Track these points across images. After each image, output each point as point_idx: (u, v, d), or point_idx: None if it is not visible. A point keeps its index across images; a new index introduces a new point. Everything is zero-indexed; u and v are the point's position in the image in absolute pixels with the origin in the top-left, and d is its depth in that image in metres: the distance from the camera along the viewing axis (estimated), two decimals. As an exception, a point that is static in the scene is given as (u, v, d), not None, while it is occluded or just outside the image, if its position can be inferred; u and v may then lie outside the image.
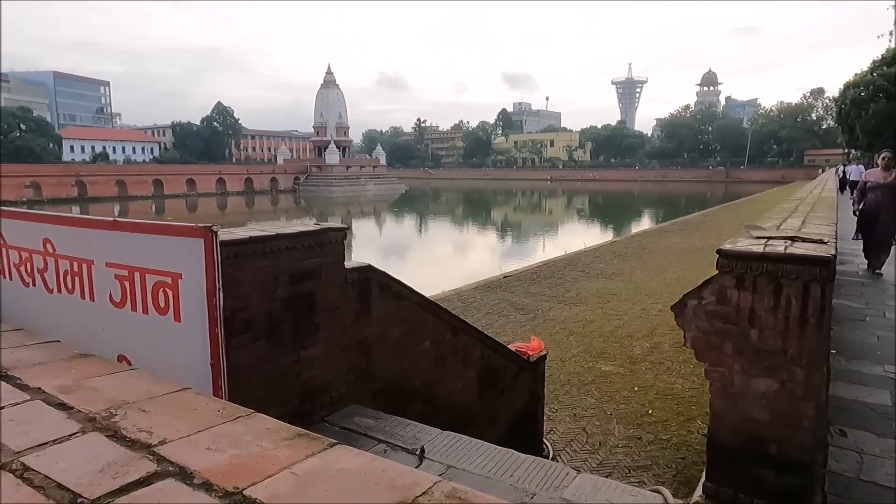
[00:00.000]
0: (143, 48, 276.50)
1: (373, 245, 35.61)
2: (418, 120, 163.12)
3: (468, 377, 4.92)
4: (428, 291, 15.36)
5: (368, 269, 3.78)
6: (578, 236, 31.36)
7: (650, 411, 7.37)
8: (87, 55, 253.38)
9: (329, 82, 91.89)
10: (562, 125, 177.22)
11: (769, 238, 3.22)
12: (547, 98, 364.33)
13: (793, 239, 3.21)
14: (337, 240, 3.49)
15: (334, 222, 3.57)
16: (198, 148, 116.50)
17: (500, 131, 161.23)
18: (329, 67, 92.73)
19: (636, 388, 8.25)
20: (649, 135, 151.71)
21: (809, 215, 5.33)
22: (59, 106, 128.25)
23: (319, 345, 3.43)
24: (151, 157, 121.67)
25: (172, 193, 71.14)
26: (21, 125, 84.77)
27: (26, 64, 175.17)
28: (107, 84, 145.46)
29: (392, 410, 3.75)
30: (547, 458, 5.35)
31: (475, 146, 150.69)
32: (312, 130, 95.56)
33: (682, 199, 69.25)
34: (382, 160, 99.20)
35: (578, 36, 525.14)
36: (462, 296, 14.17)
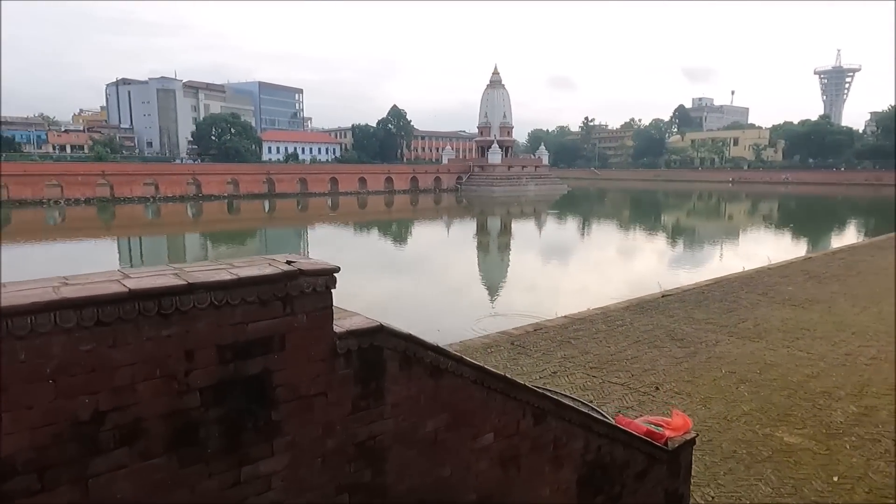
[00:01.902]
0: (333, 57, 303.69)
1: (524, 248, 34.16)
2: (586, 118, 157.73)
3: (562, 481, 3.32)
4: (568, 308, 13.63)
5: (378, 333, 2.40)
6: (762, 249, 26.85)
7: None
8: (289, 66, 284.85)
9: (495, 82, 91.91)
10: (748, 121, 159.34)
11: None
12: (732, 92, 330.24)
13: None
14: (316, 288, 2.18)
15: (327, 263, 2.26)
16: (373, 148, 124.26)
17: (675, 129, 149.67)
18: (496, 68, 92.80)
19: (835, 478, 5.85)
20: (860, 131, 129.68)
21: None
22: (261, 112, 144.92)
23: (281, 454, 2.15)
24: (333, 157, 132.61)
25: (346, 191, 76.20)
26: (231, 129, 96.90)
27: (239, 75, 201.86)
28: (301, 91, 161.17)
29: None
30: None
31: (646, 145, 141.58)
32: (477, 131, 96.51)
33: (905, 208, 57.50)
34: (545, 160, 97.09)
35: (773, 21, 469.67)
36: (608, 317, 12.11)
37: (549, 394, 3.20)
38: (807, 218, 54.95)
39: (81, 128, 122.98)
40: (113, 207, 56.10)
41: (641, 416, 4.80)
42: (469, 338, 10.28)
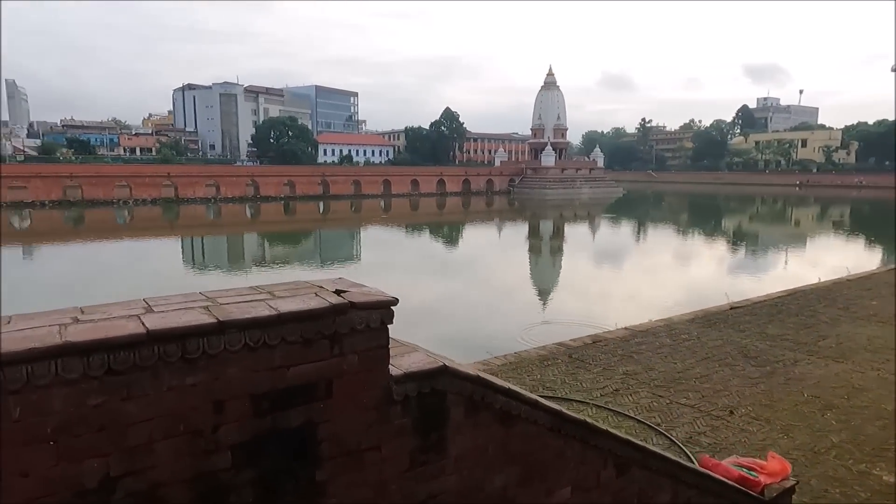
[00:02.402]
0: (389, 61, 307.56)
1: (577, 252, 33.22)
2: (642, 120, 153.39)
3: (645, 537, 2.86)
4: (626, 318, 12.95)
5: (441, 375, 2.01)
6: (835, 258, 25.14)
7: None
8: (345, 70, 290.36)
9: (549, 84, 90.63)
10: (818, 122, 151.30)
11: None
12: (800, 91, 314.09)
13: None
14: (370, 324, 1.81)
15: (382, 294, 1.89)
16: (426, 150, 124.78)
17: (737, 130, 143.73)
18: (550, 69, 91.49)
19: (950, 532, 5.09)
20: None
21: None
22: (318, 115, 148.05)
23: (325, 519, 1.81)
24: (387, 159, 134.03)
25: (398, 193, 76.70)
26: (289, 132, 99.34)
27: (298, 80, 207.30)
28: (356, 94, 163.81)
29: None
30: None
31: (707, 147, 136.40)
32: (530, 133, 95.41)
33: None
34: (600, 162, 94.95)
35: (845, 16, 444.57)
36: (672, 329, 11.36)
37: (631, 439, 2.73)
38: (882, 224, 51.37)
39: (150, 131, 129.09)
40: (177, 207, 58.30)
41: (732, 459, 4.24)
42: (524, 348, 9.83)
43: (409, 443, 1.99)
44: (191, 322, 1.55)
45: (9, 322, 1.48)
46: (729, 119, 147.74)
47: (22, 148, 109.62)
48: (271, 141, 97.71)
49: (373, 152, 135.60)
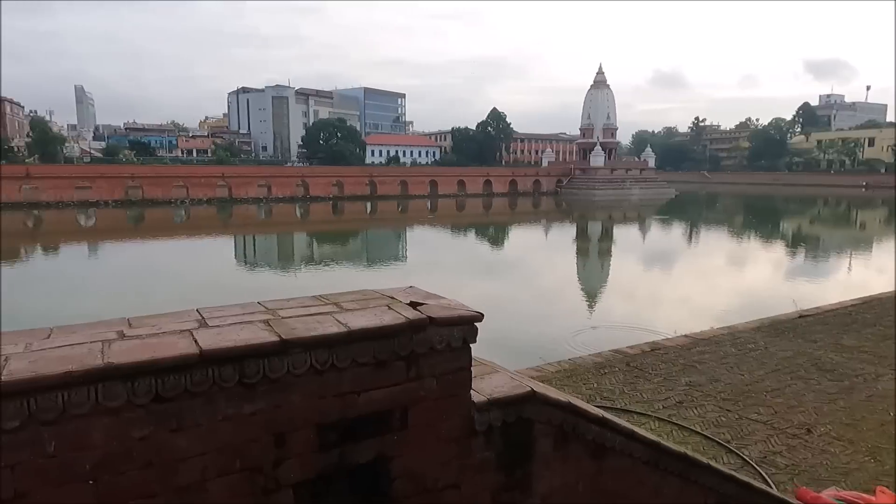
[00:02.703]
0: (436, 62, 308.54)
1: (627, 255, 32.23)
2: (696, 119, 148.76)
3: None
4: (683, 324, 12.29)
5: (528, 402, 1.72)
6: (913, 264, 23.49)
7: None
8: (393, 71, 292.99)
9: (599, 82, 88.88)
10: (887, 119, 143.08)
11: None
12: (868, 87, 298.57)
13: None
14: (451, 343, 1.54)
15: (464, 308, 1.62)
16: (472, 151, 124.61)
17: (798, 129, 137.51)
18: (600, 67, 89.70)
19: None
20: None
21: None
22: (366, 116, 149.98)
23: (397, 567, 1.55)
24: (433, 159, 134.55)
25: (445, 193, 76.69)
26: (338, 133, 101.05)
27: (346, 82, 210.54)
28: (403, 96, 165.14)
29: None
30: None
31: (765, 146, 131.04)
32: (579, 133, 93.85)
33: None
34: (651, 162, 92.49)
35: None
36: (736, 338, 10.68)
37: (735, 475, 2.37)
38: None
39: (206, 133, 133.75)
40: (230, 207, 59.97)
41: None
42: (575, 354, 9.39)
43: (491, 480, 1.72)
44: (250, 340, 1.32)
45: (48, 336, 1.29)
46: (788, 117, 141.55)
47: (88, 150, 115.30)
48: (321, 142, 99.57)
49: (419, 153, 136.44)
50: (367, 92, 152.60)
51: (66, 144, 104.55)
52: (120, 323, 1.43)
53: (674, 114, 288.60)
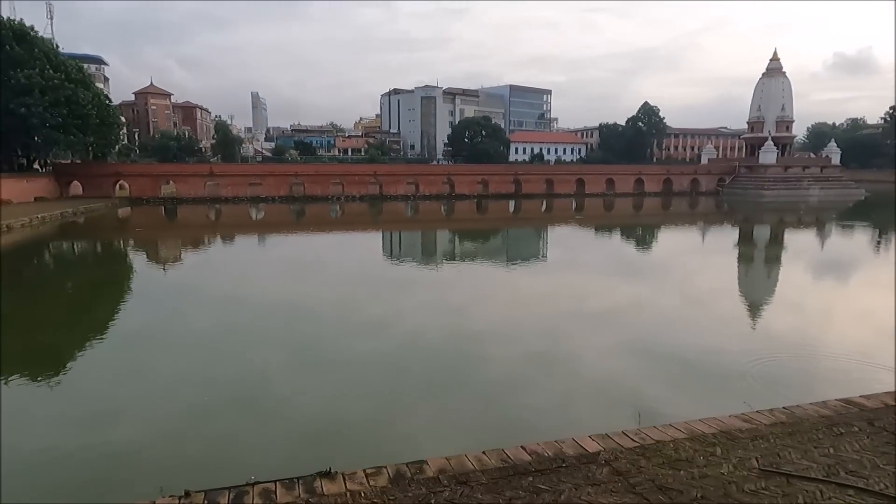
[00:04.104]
0: (583, 56, 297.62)
1: (794, 265, 27.72)
2: (891, 108, 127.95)
3: None
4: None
5: None
6: None
7: None
8: (539, 68, 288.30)
9: (773, 70, 79.59)
10: None
11: None
12: None
13: None
14: None
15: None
16: (620, 148, 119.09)
17: None
18: (775, 52, 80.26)
19: None
20: None
21: None
22: (510, 114, 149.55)
23: None
24: (579, 157, 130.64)
25: (592, 192, 73.52)
26: (483, 132, 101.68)
27: (491, 80, 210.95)
28: (549, 92, 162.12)
29: None
30: None
31: None
32: (745, 126, 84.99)
33: None
34: (836, 159, 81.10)
35: None
36: None
37: None
38: None
39: (360, 134, 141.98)
40: (380, 204, 62.59)
41: None
42: (794, 402, 7.48)
43: None
44: None
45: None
46: None
47: (260, 150, 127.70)
48: (466, 140, 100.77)
49: (564, 150, 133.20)
50: (513, 89, 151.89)
51: (243, 145, 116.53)
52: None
53: (859, 103, 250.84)
